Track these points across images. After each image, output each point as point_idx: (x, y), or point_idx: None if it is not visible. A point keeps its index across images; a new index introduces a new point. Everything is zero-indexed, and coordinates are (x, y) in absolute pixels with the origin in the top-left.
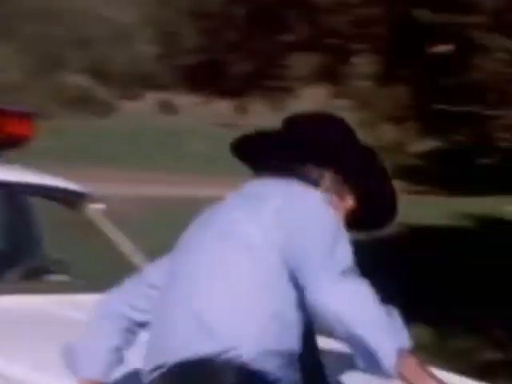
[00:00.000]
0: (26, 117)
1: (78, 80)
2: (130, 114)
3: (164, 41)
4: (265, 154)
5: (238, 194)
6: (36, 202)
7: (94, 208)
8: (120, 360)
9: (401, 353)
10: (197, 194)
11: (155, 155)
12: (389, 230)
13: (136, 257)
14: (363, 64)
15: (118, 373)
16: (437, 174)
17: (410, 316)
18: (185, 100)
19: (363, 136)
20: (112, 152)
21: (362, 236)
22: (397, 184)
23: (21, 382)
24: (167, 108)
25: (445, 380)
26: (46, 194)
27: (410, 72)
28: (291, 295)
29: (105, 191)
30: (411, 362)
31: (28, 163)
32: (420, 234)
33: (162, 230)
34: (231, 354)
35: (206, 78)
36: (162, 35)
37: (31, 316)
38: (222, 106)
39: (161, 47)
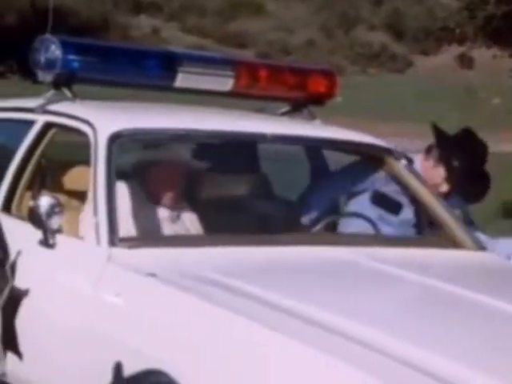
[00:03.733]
0: (329, 75)
1: (374, 36)
2: (425, 69)
3: None
4: None
5: None
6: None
7: (399, 163)
8: None
9: None
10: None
11: (445, 112)
12: None
13: (441, 211)
14: None
15: None
16: None
17: None
18: (482, 54)
19: None
20: (403, 108)
21: None
22: None
23: (337, 328)
24: (464, 63)
25: None
26: (351, 150)
27: None
28: None
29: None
30: None
31: (324, 119)
32: None
33: None
34: None
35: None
36: None
37: (338, 266)
38: None
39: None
